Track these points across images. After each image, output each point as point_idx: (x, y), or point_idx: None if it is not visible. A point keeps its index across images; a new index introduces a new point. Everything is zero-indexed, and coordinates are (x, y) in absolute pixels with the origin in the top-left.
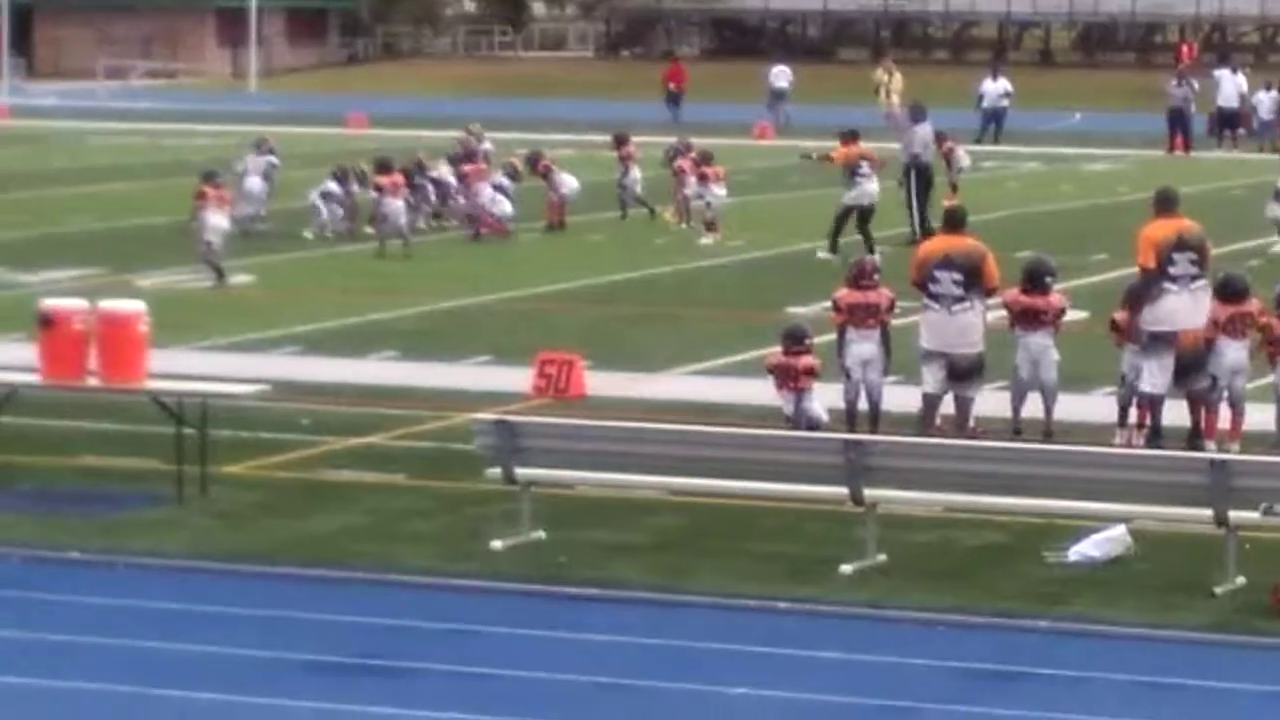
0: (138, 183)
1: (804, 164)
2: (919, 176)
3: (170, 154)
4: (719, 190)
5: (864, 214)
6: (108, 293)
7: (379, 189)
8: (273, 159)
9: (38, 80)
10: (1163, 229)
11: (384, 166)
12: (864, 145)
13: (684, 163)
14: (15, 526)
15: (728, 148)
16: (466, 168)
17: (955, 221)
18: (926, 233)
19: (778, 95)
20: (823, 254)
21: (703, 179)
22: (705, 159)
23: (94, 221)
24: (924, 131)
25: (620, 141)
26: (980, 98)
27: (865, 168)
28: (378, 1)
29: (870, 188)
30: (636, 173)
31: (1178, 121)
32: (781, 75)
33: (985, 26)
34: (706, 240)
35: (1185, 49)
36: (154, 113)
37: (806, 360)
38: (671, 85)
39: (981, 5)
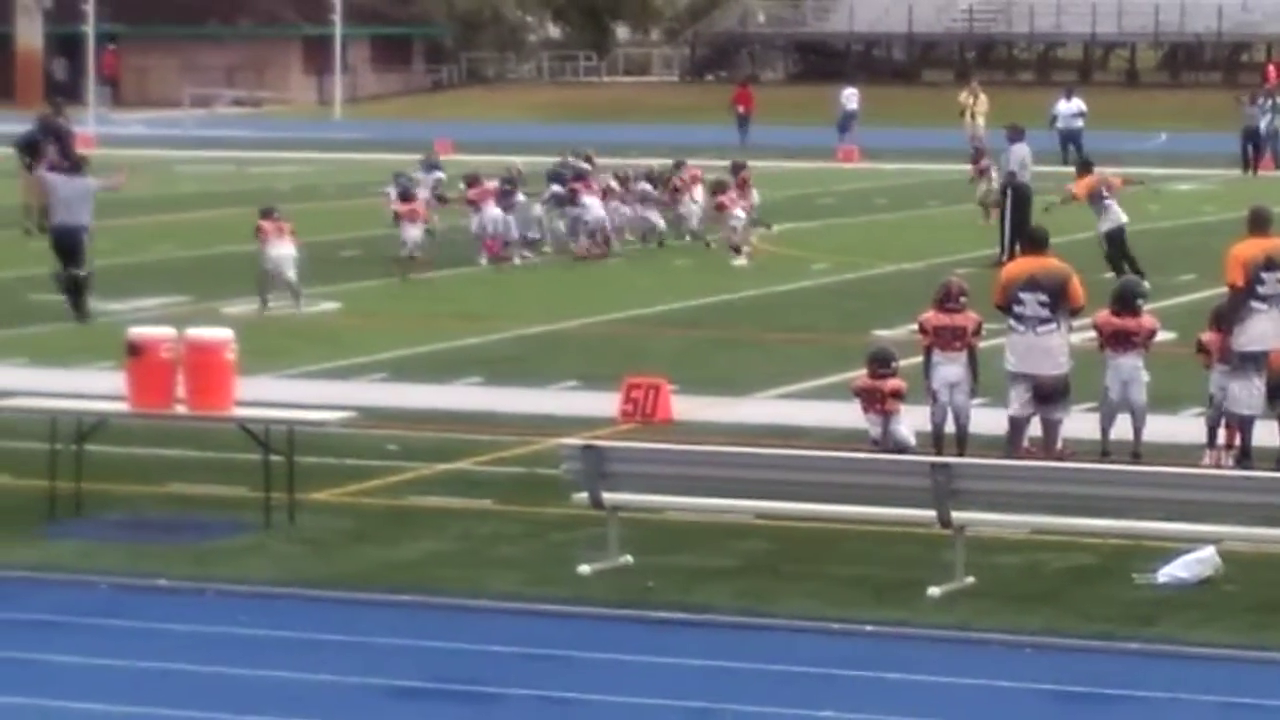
0: (224, 210)
1: (1048, 214)
2: (1015, 196)
3: (256, 181)
4: (739, 212)
5: (1114, 238)
6: (195, 320)
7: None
8: (439, 174)
9: (124, 109)
10: (1252, 248)
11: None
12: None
13: (726, 196)
14: (104, 554)
15: (812, 171)
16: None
17: (1039, 243)
18: (1014, 255)
19: (849, 116)
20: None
21: (720, 207)
22: (719, 187)
23: (181, 250)
24: (1021, 151)
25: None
26: (1054, 118)
27: (1106, 192)
28: (462, 28)
29: (1119, 209)
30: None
31: (1254, 141)
32: (852, 98)
33: (1070, 47)
34: (739, 262)
35: (1273, 69)
36: (240, 140)
37: (893, 383)
38: (740, 108)
39: (1067, 26)
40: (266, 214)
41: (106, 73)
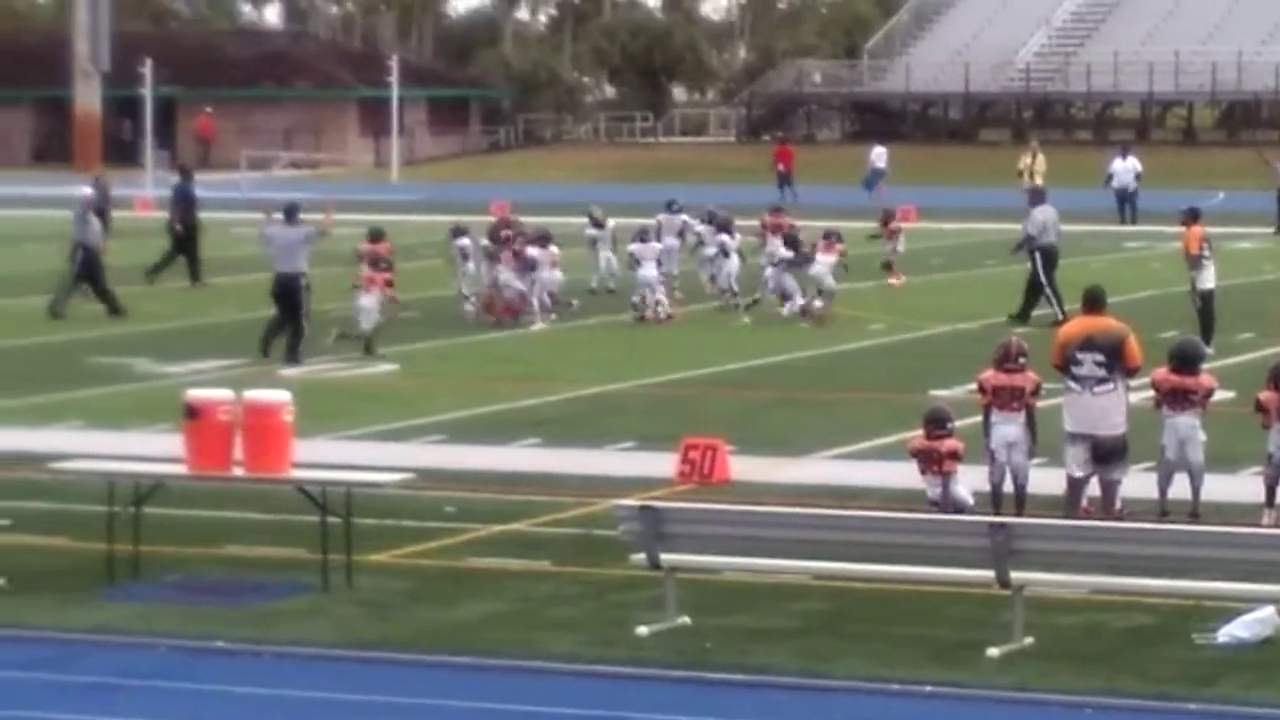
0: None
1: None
2: (1045, 258)
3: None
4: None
5: (1206, 297)
6: (252, 383)
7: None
8: (465, 242)
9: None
10: None
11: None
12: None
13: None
14: (162, 617)
15: (868, 230)
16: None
17: (1096, 302)
18: (1058, 313)
19: (877, 174)
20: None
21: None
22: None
23: (238, 312)
24: (1044, 213)
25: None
26: (1110, 176)
27: (1208, 250)
28: (519, 90)
29: (1212, 270)
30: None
31: None
32: (881, 156)
33: (1127, 106)
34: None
35: None
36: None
37: (950, 444)
38: (780, 166)
39: (1124, 85)
40: (375, 238)
41: (201, 134)
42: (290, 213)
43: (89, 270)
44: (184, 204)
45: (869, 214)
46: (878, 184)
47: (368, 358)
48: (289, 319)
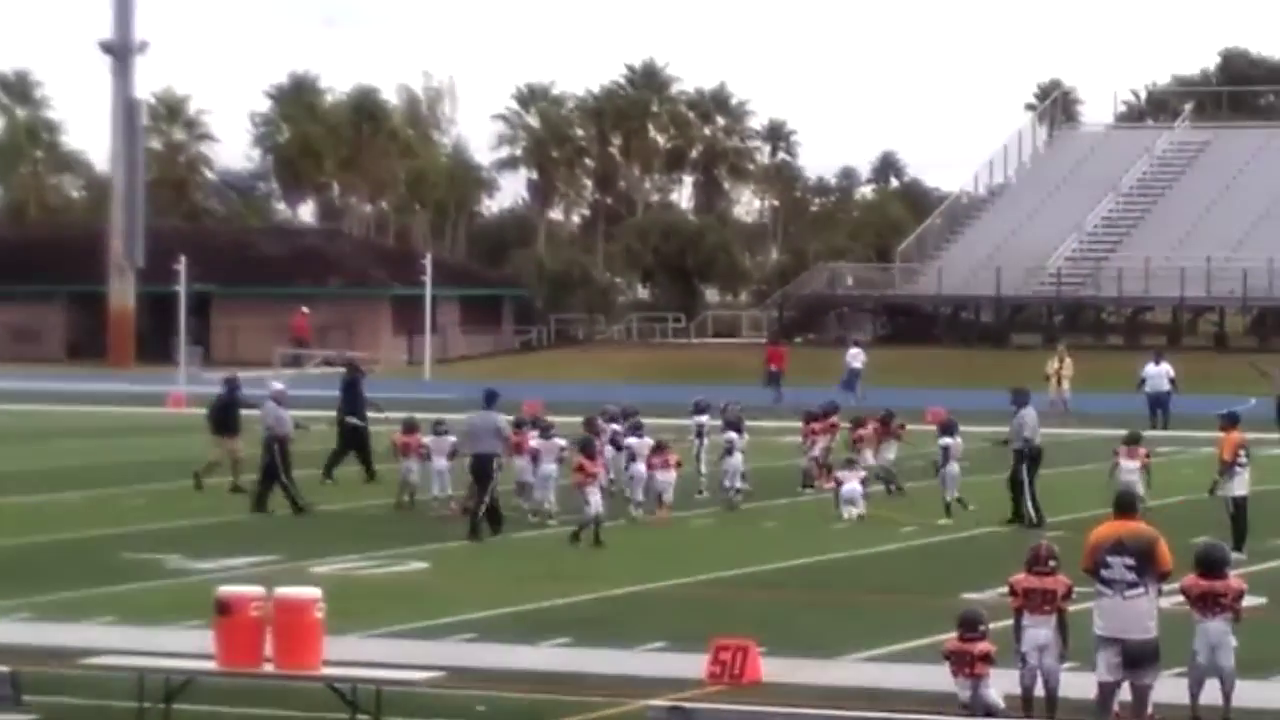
0: (314, 470)
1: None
2: (1032, 460)
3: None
4: (667, 475)
5: (1239, 503)
6: (283, 579)
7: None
8: (453, 439)
9: (215, 369)
10: None
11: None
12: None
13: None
14: None
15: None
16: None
17: (1126, 506)
18: (1033, 517)
19: (854, 375)
20: (1236, 555)
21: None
22: (660, 446)
23: (271, 509)
24: (1029, 415)
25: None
26: (1142, 381)
27: (1244, 456)
28: (552, 289)
29: (1245, 477)
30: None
31: None
32: (857, 357)
33: (1159, 311)
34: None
35: None
36: (330, 400)
37: (982, 646)
38: (772, 367)
39: (1155, 290)
40: (409, 430)
41: (297, 333)
42: (490, 398)
43: (285, 460)
44: (352, 398)
45: (908, 417)
46: (856, 384)
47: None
48: (482, 496)
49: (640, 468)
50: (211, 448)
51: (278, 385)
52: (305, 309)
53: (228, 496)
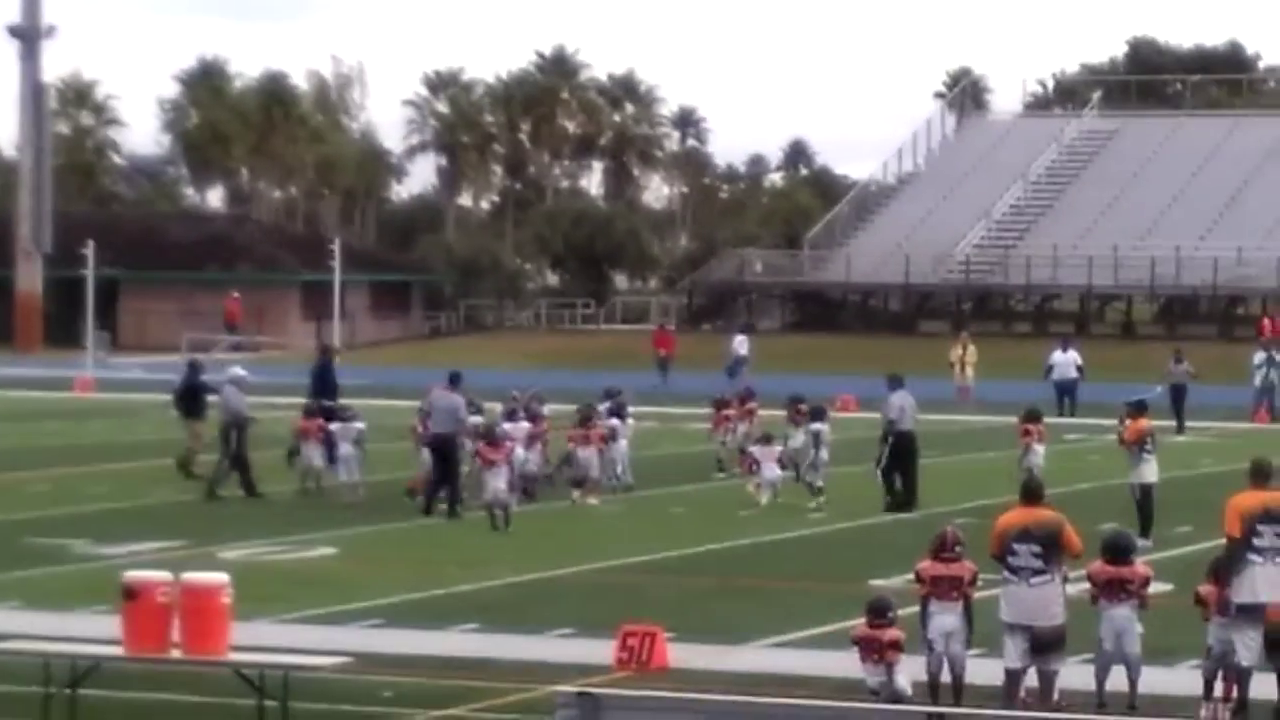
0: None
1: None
2: (896, 443)
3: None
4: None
5: (1145, 490)
6: (190, 565)
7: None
8: (360, 425)
9: (122, 354)
10: (1249, 500)
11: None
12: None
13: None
14: None
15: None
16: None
17: (1033, 494)
18: (897, 502)
19: (740, 362)
20: (1141, 542)
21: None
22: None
23: (177, 494)
24: (900, 399)
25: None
26: (1049, 369)
27: (1150, 444)
28: (461, 275)
29: (1154, 464)
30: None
31: (1182, 397)
32: (743, 344)
33: (1066, 299)
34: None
35: (1267, 322)
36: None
37: (892, 633)
38: (660, 351)
39: (1063, 278)
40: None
41: (230, 319)
42: (454, 379)
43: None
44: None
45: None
46: (741, 370)
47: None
48: (445, 477)
49: (623, 445)
50: (181, 431)
51: (239, 370)
52: (236, 294)
53: (133, 483)
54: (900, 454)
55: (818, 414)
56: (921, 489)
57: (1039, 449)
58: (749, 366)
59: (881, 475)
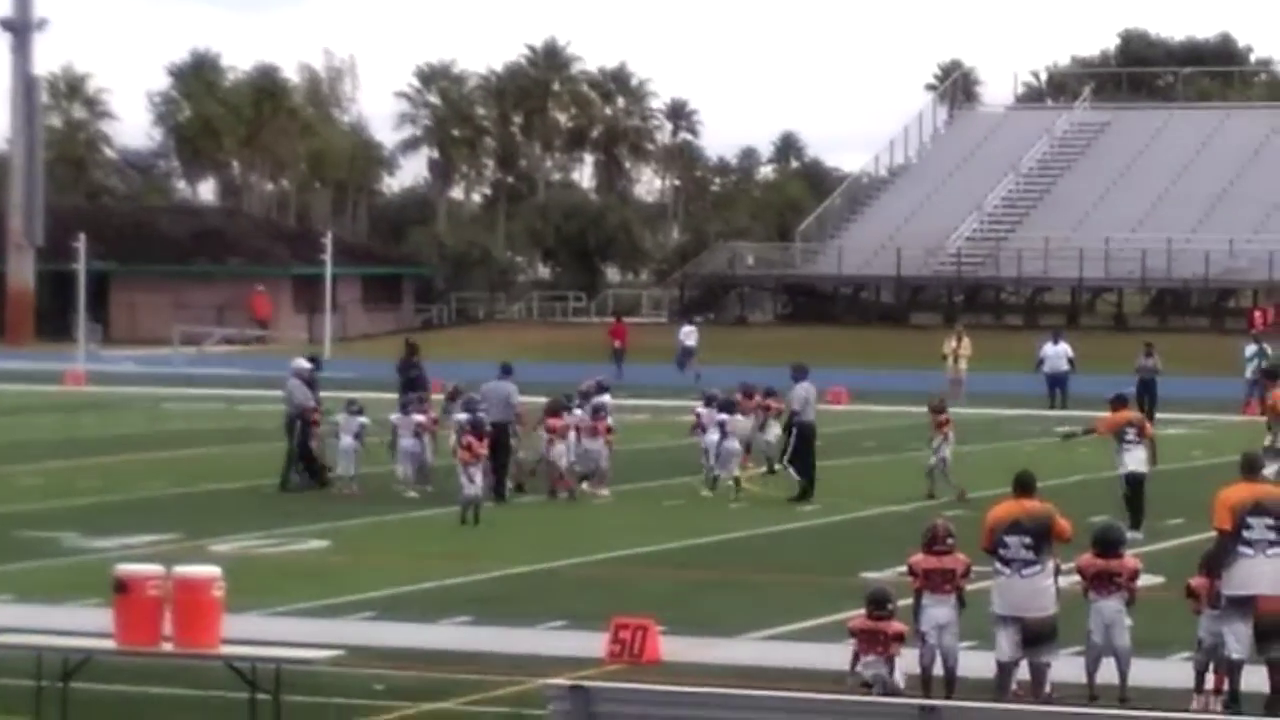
0: (212, 448)
1: (1065, 444)
2: (799, 434)
3: (245, 419)
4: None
5: (1132, 481)
6: (182, 558)
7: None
8: (364, 420)
9: (113, 346)
10: (1240, 492)
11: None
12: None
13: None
14: None
15: None
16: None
17: (1024, 486)
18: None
19: (687, 353)
20: (1131, 533)
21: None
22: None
23: (169, 487)
24: (803, 390)
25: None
26: (1041, 361)
27: (1131, 434)
28: (452, 268)
29: (1139, 454)
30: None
31: (1149, 391)
32: (690, 335)
33: (1058, 291)
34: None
35: (1258, 314)
36: (229, 379)
37: (895, 626)
38: (616, 343)
39: (1054, 271)
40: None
41: (259, 315)
42: (506, 370)
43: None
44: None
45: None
46: (688, 363)
47: None
48: (498, 462)
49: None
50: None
51: (303, 362)
52: (261, 287)
53: (124, 476)
54: (802, 443)
55: (727, 406)
56: (911, 482)
57: (951, 439)
58: (696, 358)
59: (793, 468)
